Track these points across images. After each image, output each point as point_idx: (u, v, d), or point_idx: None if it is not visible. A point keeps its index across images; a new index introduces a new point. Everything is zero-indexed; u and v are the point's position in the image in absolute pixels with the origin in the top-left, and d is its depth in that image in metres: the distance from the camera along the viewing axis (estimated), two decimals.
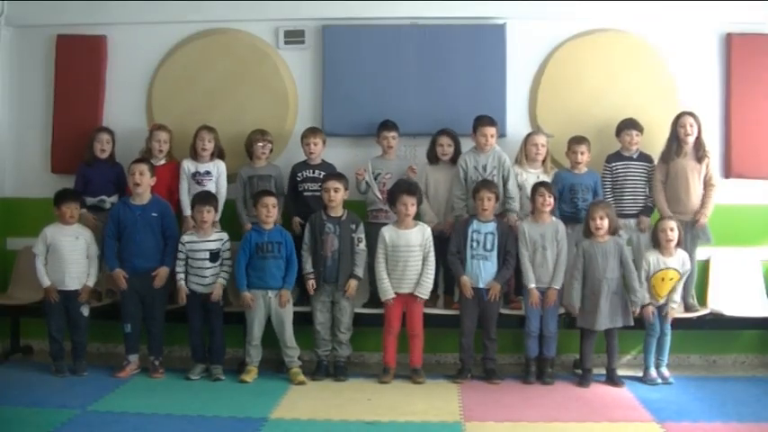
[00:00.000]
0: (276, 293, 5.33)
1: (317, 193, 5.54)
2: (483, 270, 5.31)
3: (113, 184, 5.82)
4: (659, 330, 5.31)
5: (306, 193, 5.71)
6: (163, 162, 5.76)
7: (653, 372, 5.32)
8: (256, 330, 5.36)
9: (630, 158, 5.70)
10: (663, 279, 5.28)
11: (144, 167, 5.42)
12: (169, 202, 5.63)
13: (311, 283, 5.37)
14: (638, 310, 5.21)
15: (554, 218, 5.39)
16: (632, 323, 5.24)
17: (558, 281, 5.28)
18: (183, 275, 5.38)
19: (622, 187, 5.67)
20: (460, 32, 5.98)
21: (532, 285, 5.29)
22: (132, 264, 5.42)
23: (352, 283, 5.39)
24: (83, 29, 6.14)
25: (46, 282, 5.38)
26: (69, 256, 5.40)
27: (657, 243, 5.33)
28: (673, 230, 5.27)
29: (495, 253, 5.32)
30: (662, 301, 5.30)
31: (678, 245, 5.31)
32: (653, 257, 5.31)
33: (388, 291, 5.32)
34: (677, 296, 5.31)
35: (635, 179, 5.66)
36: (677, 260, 5.30)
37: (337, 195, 5.38)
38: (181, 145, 5.85)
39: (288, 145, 6.03)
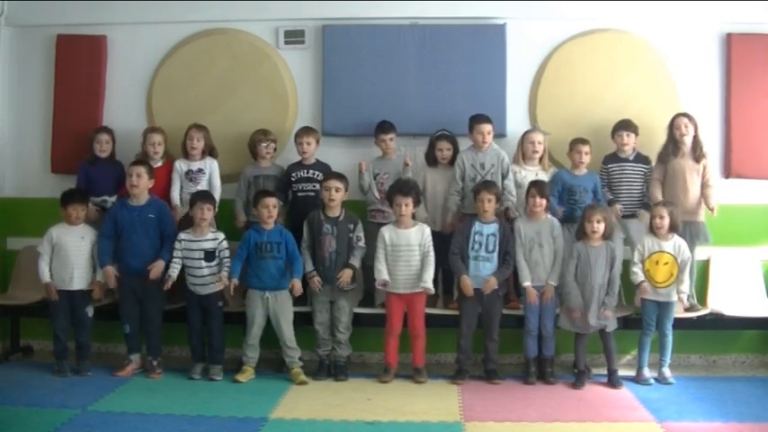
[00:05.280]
0: (274, 294, 5.33)
1: (312, 194, 5.54)
2: (485, 271, 5.30)
3: (115, 183, 5.82)
4: (654, 330, 5.32)
5: (300, 194, 5.70)
6: (160, 164, 5.76)
7: (646, 372, 5.32)
8: (254, 330, 5.35)
9: (626, 160, 5.70)
10: (657, 262, 5.26)
11: (141, 170, 5.42)
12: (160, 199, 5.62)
13: (316, 281, 5.35)
14: (608, 313, 5.19)
15: (549, 216, 5.39)
16: (616, 326, 5.25)
17: (554, 277, 5.29)
18: (176, 268, 5.34)
19: (618, 188, 5.67)
20: (460, 32, 5.98)
21: (528, 283, 5.29)
22: (128, 264, 5.42)
23: (347, 272, 5.35)
24: (83, 29, 6.15)
25: (46, 278, 5.38)
26: (74, 256, 5.41)
27: (652, 228, 5.33)
28: (663, 218, 5.25)
29: (496, 254, 5.31)
30: (661, 291, 5.27)
31: (673, 230, 5.29)
32: (647, 240, 5.31)
33: (383, 276, 5.30)
34: (685, 286, 5.27)
35: (631, 180, 5.66)
36: (672, 245, 5.28)
37: (338, 195, 5.37)
38: (178, 146, 5.84)
39: (288, 145, 6.02)
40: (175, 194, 5.73)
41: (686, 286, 5.29)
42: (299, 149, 5.75)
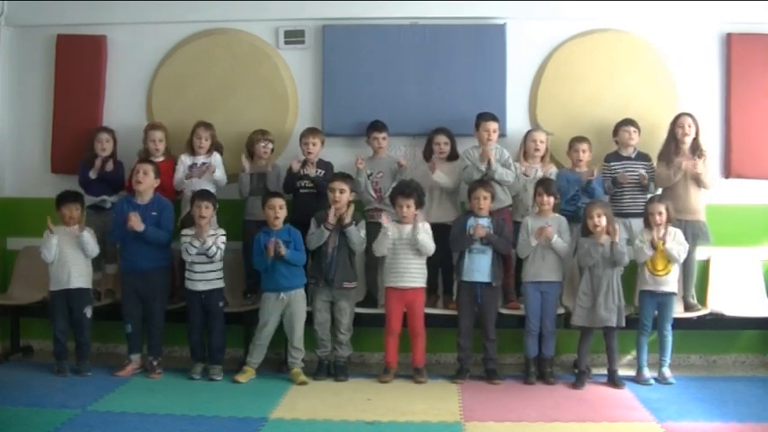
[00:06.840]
0: (290, 294, 5.32)
1: (314, 191, 5.54)
2: (479, 264, 5.32)
3: (115, 182, 5.82)
4: (650, 329, 5.33)
5: (302, 191, 5.71)
6: (161, 159, 5.78)
7: (646, 372, 5.33)
8: (266, 332, 5.34)
9: (629, 158, 5.70)
10: (656, 249, 5.26)
11: (148, 168, 5.44)
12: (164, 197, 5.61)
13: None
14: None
15: (557, 213, 5.41)
16: (624, 324, 5.24)
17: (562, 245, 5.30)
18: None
19: (621, 186, 5.66)
20: (460, 32, 5.98)
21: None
22: (132, 263, 5.43)
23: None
24: (83, 29, 6.15)
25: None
26: (71, 255, 5.40)
27: (648, 223, 5.33)
28: (661, 214, 5.26)
29: (490, 248, 5.34)
30: (660, 279, 5.26)
31: (669, 223, 5.30)
32: (644, 234, 5.32)
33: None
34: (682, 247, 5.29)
35: (633, 178, 5.64)
36: (667, 234, 5.29)
37: (342, 196, 5.37)
38: (179, 144, 5.85)
39: (288, 145, 6.03)
40: (180, 179, 5.73)
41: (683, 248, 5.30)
42: (305, 150, 5.74)
